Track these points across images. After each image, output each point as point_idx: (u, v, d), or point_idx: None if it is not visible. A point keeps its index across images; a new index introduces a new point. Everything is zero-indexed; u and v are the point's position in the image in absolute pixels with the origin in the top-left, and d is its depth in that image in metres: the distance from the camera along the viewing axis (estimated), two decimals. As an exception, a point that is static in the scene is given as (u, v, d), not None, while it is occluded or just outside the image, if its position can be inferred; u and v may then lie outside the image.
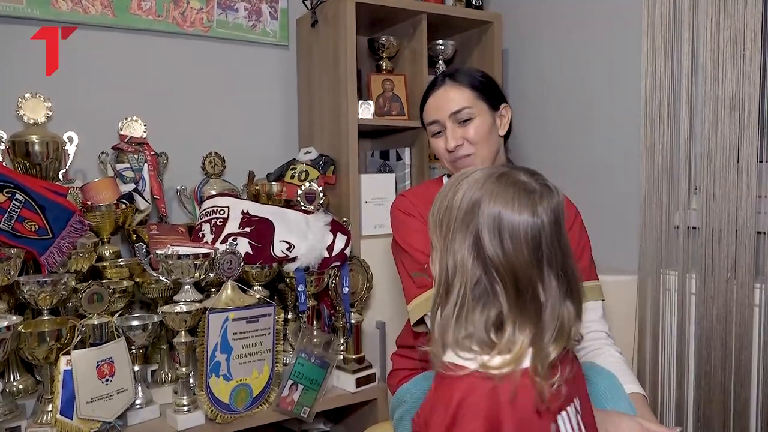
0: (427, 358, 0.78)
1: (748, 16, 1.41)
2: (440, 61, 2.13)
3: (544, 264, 0.74)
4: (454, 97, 1.28)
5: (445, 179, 1.40)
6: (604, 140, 1.86)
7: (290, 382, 1.49)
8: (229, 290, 1.44)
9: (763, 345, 1.40)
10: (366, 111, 1.92)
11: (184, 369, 1.41)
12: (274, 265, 1.59)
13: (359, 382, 1.62)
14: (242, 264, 1.48)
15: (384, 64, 2.06)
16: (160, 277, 1.46)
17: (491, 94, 1.32)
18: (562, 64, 2.00)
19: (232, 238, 1.58)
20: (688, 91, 1.56)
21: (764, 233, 1.40)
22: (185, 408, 1.39)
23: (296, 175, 1.90)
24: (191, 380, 1.44)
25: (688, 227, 1.56)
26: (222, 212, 1.65)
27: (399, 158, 2.02)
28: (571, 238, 1.29)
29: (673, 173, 1.58)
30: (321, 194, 1.69)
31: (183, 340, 1.40)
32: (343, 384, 1.64)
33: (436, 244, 0.80)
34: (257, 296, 1.50)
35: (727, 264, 1.45)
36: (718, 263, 1.47)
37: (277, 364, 1.49)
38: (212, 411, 1.38)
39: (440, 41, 2.11)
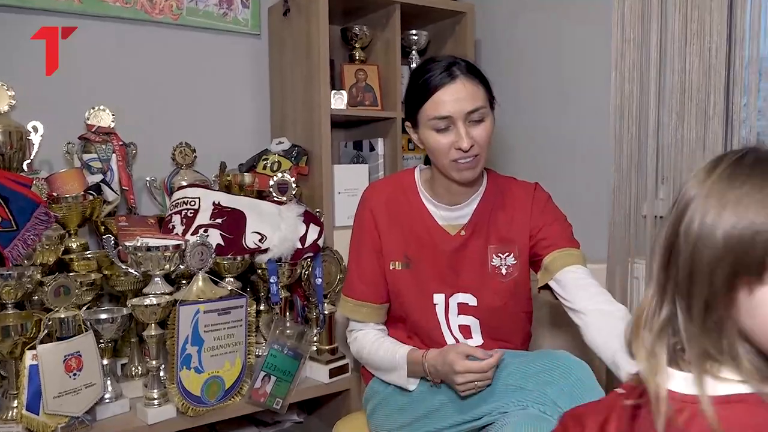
0: None
1: (714, 9, 1.43)
2: (414, 52, 2.13)
3: None
4: (472, 94, 1.21)
5: (417, 171, 1.40)
6: (576, 131, 1.88)
7: (263, 373, 1.49)
8: (200, 282, 1.43)
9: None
10: (339, 101, 1.91)
11: (154, 362, 1.39)
12: (246, 256, 1.58)
13: (332, 373, 1.62)
14: (213, 256, 1.46)
15: (357, 54, 2.05)
16: (129, 270, 1.44)
17: (492, 93, 1.29)
18: (534, 55, 2.01)
19: (203, 229, 1.56)
20: (657, 83, 1.58)
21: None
22: (156, 401, 1.38)
23: (269, 165, 1.88)
24: (162, 373, 1.43)
25: (656, 217, 1.59)
26: (193, 203, 1.63)
27: (372, 149, 2.02)
28: (546, 215, 1.32)
29: (642, 164, 1.61)
30: (294, 185, 1.68)
31: (153, 333, 1.38)
32: (316, 375, 1.64)
33: None
34: (229, 288, 1.49)
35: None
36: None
37: (250, 356, 1.49)
38: (183, 404, 1.37)
39: (414, 31, 2.11)
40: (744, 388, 0.60)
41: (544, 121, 1.99)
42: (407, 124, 1.32)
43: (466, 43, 2.07)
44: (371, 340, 1.34)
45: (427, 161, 1.37)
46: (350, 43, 2.05)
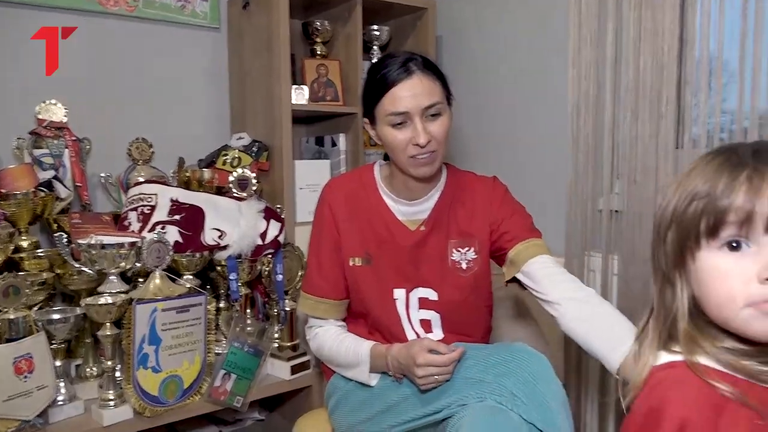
0: None
1: (666, 9, 1.47)
2: (375, 47, 2.12)
3: None
4: (428, 90, 1.22)
5: (376, 167, 1.40)
6: (535, 127, 1.91)
7: (223, 371, 1.47)
8: (157, 280, 1.40)
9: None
10: (300, 96, 1.89)
11: (109, 362, 1.36)
12: (205, 253, 1.56)
13: (294, 370, 1.61)
14: (171, 253, 1.44)
15: (318, 49, 2.03)
16: (83, 268, 1.40)
17: (449, 89, 1.30)
18: (495, 52, 2.03)
19: (160, 226, 1.53)
20: (612, 81, 1.61)
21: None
22: (111, 403, 1.34)
23: (228, 161, 1.86)
24: (117, 374, 1.40)
25: (611, 211, 1.63)
26: (149, 200, 1.59)
27: (334, 144, 2.01)
28: (506, 208, 1.34)
29: (598, 159, 1.64)
30: (254, 181, 1.66)
31: (108, 333, 1.35)
32: (277, 372, 1.63)
33: None
34: (187, 286, 1.46)
35: (646, 245, 1.52)
36: (638, 245, 1.54)
37: (209, 354, 1.47)
38: (140, 404, 1.34)
39: (375, 27, 2.10)
40: (680, 357, 0.67)
41: (504, 117, 2.01)
42: (365, 120, 1.32)
43: (428, 39, 2.08)
44: (332, 337, 1.34)
45: (387, 157, 1.37)
46: (311, 38, 2.03)
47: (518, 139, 1.96)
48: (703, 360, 0.65)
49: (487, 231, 1.34)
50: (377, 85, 1.24)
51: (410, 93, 1.20)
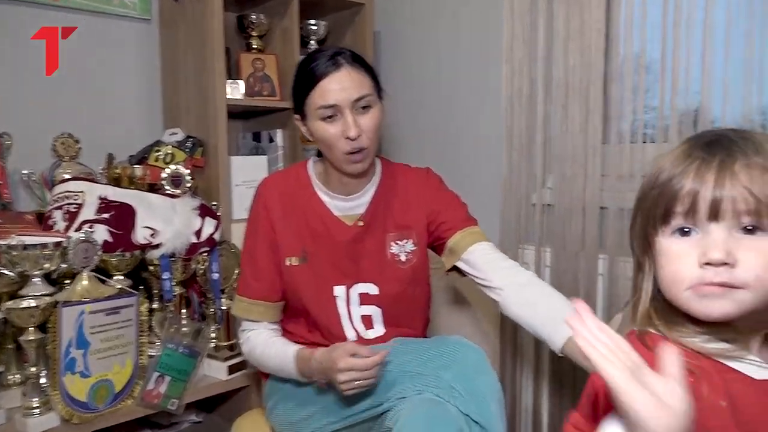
0: None
1: (593, 7, 1.51)
2: (312, 42, 2.10)
3: None
4: (358, 82, 1.22)
5: (310, 163, 1.39)
6: (471, 123, 1.94)
7: (156, 374, 1.43)
8: (84, 281, 1.35)
9: (606, 310, 1.54)
10: (236, 91, 1.86)
11: (33, 368, 1.30)
12: (137, 252, 1.51)
13: (231, 370, 1.59)
14: (100, 252, 1.39)
15: (254, 43, 2.00)
16: (4, 271, 1.33)
17: (379, 83, 1.30)
18: (431, 47, 2.05)
19: (88, 225, 1.47)
20: (544, 77, 1.65)
21: (607, 209, 1.53)
22: (36, 410, 1.28)
23: (161, 157, 1.80)
24: (43, 380, 1.34)
25: (544, 205, 1.67)
26: (76, 198, 1.53)
27: (271, 140, 1.98)
28: (441, 198, 1.35)
29: (531, 154, 1.68)
30: (188, 177, 1.62)
31: (32, 338, 1.29)
32: (215, 372, 1.59)
33: None
34: (118, 286, 1.41)
35: (576, 238, 1.57)
36: (569, 237, 1.58)
37: (142, 357, 1.43)
38: (67, 411, 1.29)
39: (312, 21, 2.08)
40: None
41: (440, 112, 2.03)
42: (296, 116, 1.31)
43: (365, 34, 2.08)
44: (262, 341, 1.32)
45: (320, 153, 1.36)
46: (247, 32, 1.99)
47: (454, 135, 1.99)
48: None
49: (425, 222, 1.35)
50: (306, 79, 1.24)
51: (339, 86, 1.21)
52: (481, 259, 1.30)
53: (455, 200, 1.39)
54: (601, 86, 1.52)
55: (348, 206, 1.34)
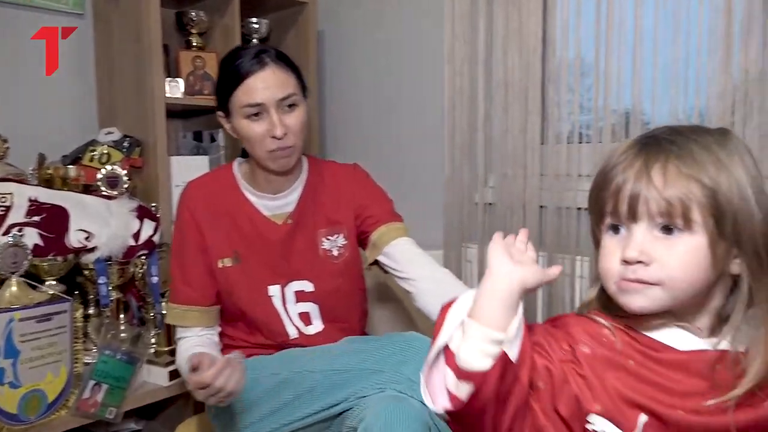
0: None
1: (531, 10, 1.55)
2: (254, 40, 2.07)
3: None
4: (283, 81, 1.23)
5: (235, 164, 1.38)
6: (413, 122, 1.96)
7: (92, 382, 1.38)
8: (13, 287, 1.29)
9: (546, 306, 1.58)
10: (175, 89, 1.82)
11: (-43, 380, 1.23)
12: (70, 256, 1.45)
13: (172, 375, 1.54)
14: (30, 257, 1.33)
15: (194, 41, 1.95)
16: (-77, 278, 1.26)
17: (303, 82, 1.30)
18: (374, 48, 2.05)
19: (16, 228, 1.41)
20: (485, 78, 1.68)
21: (546, 207, 1.57)
22: (-39, 424, 1.22)
23: (96, 157, 1.74)
24: (-32, 392, 1.27)
25: (486, 204, 1.70)
26: (4, 200, 1.46)
27: (213, 140, 1.95)
28: (368, 193, 1.36)
29: (473, 154, 1.71)
30: (125, 178, 1.57)
31: (-45, 348, 1.22)
32: (155, 378, 1.55)
33: None
34: (50, 292, 1.36)
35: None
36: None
37: (77, 365, 1.37)
38: (-4, 424, 1.23)
39: (254, 19, 2.05)
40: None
41: (383, 111, 2.04)
42: (220, 114, 1.31)
43: (309, 33, 2.06)
44: (186, 348, 1.30)
45: (245, 153, 1.35)
46: (186, 29, 1.95)
47: (398, 134, 2.00)
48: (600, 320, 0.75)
49: (353, 216, 1.37)
50: (230, 76, 1.23)
51: (264, 84, 1.21)
52: (401, 254, 1.33)
53: (382, 195, 1.41)
54: (539, 88, 1.57)
55: (276, 205, 1.34)
